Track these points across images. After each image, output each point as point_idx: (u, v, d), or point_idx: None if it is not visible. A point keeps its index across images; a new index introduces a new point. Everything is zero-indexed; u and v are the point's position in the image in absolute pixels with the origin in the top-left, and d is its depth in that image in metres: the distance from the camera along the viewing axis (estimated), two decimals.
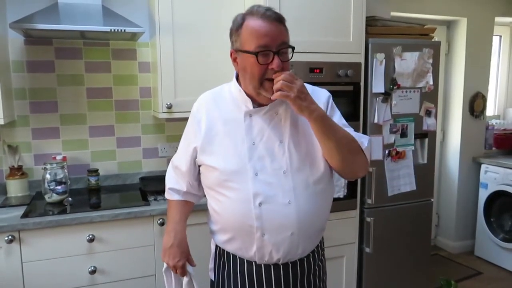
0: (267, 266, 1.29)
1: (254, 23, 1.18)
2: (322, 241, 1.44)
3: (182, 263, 1.38)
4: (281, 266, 1.29)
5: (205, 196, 1.41)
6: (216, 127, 1.30)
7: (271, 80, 1.18)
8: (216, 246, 1.39)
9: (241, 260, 1.31)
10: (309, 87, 1.38)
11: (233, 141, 1.27)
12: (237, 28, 1.22)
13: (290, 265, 1.29)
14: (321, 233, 1.39)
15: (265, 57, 1.17)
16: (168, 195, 1.48)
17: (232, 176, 1.24)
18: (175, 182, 1.45)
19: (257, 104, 1.28)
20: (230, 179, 1.25)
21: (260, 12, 1.19)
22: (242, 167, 1.24)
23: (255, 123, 1.27)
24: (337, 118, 1.36)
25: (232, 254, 1.33)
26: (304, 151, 1.28)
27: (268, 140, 1.26)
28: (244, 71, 1.24)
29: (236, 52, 1.25)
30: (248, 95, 1.27)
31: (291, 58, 1.23)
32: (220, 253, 1.37)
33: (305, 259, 1.32)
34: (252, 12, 1.20)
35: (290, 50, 1.22)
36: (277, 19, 1.20)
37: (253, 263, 1.29)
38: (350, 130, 1.36)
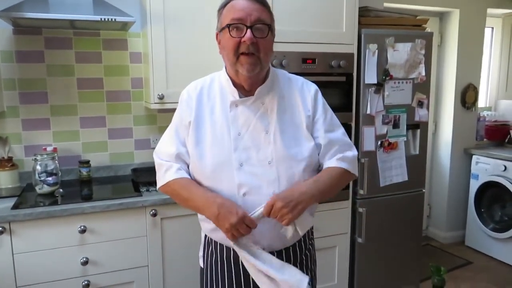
0: None
1: (234, 2, 1.21)
2: (311, 230, 1.44)
3: (243, 211, 1.18)
4: None
5: None
6: (203, 116, 1.29)
7: (246, 55, 1.19)
8: (205, 234, 1.39)
9: (228, 248, 1.31)
10: (299, 79, 1.38)
11: (219, 131, 1.26)
12: (220, 9, 1.25)
13: (275, 254, 1.28)
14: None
15: (238, 31, 1.18)
16: (170, 175, 1.29)
17: (217, 167, 1.24)
18: (170, 164, 1.31)
19: (243, 94, 1.28)
20: (215, 170, 1.24)
21: None
22: (227, 157, 1.24)
23: (241, 113, 1.27)
24: (329, 117, 1.35)
25: (219, 242, 1.33)
26: (290, 141, 1.27)
27: (254, 131, 1.26)
28: (223, 50, 1.25)
29: (219, 34, 1.26)
30: (234, 85, 1.27)
31: (267, 36, 1.21)
32: (209, 241, 1.37)
33: (291, 248, 1.32)
34: None
35: (267, 28, 1.21)
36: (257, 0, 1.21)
37: None
38: (339, 132, 1.36)
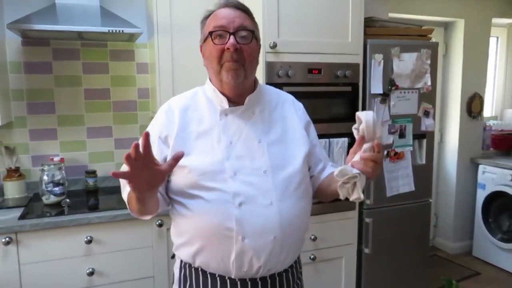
0: (244, 282, 1.17)
1: (216, 11, 1.20)
2: (299, 260, 1.36)
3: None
4: (259, 282, 1.18)
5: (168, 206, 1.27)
6: (189, 128, 1.22)
7: (230, 62, 1.15)
8: (181, 268, 1.26)
9: (213, 276, 1.18)
10: (288, 94, 1.39)
11: (209, 141, 1.20)
12: (202, 20, 1.23)
13: (269, 281, 1.19)
14: (301, 243, 1.29)
15: (221, 39, 1.16)
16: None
17: (209, 176, 1.15)
18: None
19: (232, 103, 1.23)
20: (207, 179, 1.15)
21: (223, 3, 1.20)
22: (220, 166, 1.16)
23: (231, 122, 1.22)
24: (314, 135, 1.38)
25: (201, 270, 1.20)
26: (284, 151, 1.24)
27: (246, 139, 1.21)
28: (207, 60, 1.22)
29: (202, 45, 1.24)
30: (222, 94, 1.23)
31: (250, 42, 1.18)
32: (186, 275, 1.24)
33: (284, 274, 1.23)
34: (219, 5, 1.21)
35: (251, 35, 1.18)
36: (238, 7, 1.20)
37: (228, 280, 1.17)
38: (322, 149, 1.43)
